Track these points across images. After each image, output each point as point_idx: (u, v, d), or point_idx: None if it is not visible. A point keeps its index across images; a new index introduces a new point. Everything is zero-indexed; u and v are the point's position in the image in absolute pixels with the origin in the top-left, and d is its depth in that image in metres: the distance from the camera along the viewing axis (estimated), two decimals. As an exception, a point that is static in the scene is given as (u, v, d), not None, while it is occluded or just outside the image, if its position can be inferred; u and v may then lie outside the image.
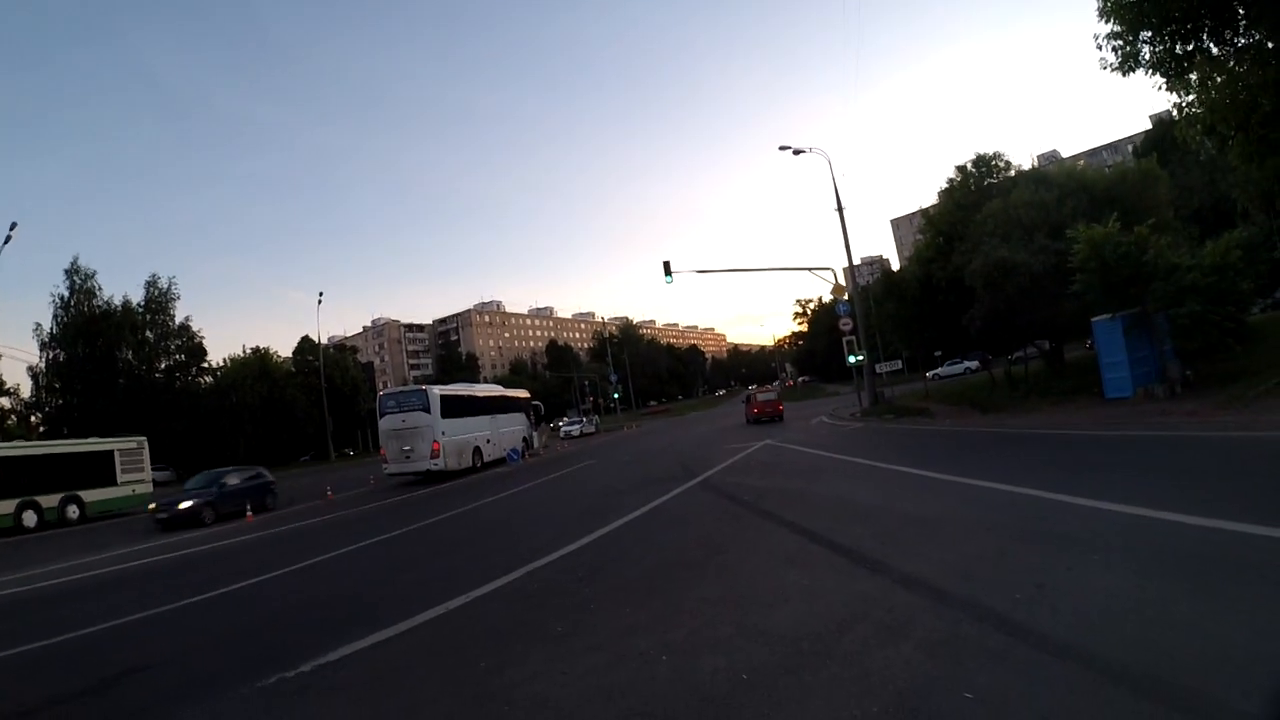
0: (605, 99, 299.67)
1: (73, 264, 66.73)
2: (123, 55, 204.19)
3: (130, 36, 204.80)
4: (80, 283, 66.38)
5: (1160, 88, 19.08)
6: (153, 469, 35.07)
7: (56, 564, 16.36)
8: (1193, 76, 18.28)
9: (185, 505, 22.39)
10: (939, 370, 57.26)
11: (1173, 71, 18.54)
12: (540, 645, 5.87)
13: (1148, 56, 18.74)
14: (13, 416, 62.08)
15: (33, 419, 64.48)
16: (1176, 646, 4.13)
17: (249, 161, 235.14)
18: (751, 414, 41.37)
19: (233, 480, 24.71)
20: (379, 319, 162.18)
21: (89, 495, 29.31)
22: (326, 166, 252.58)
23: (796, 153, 36.51)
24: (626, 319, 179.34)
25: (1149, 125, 57.65)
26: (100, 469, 30.77)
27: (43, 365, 64.34)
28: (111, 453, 31.72)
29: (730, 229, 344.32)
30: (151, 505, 24.99)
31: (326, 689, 5.59)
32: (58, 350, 64.80)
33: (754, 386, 72.62)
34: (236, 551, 15.80)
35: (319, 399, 68.54)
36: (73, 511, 28.59)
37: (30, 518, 26.80)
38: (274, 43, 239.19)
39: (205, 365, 74.77)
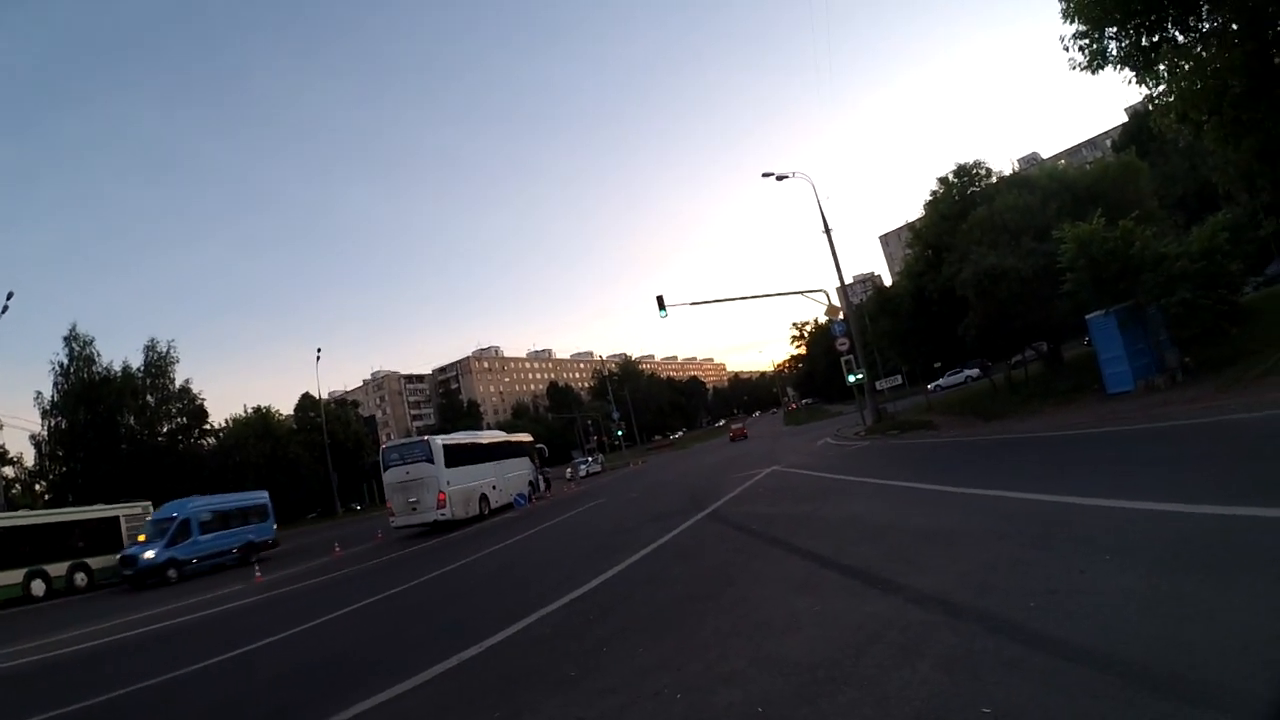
0: (588, 138, 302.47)
1: (71, 331, 66.91)
2: (109, 119, 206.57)
3: (115, 99, 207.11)
4: (79, 349, 66.53)
5: (1130, 81, 19.23)
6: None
7: (61, 634, 16.12)
8: (1161, 67, 18.44)
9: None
10: (940, 381, 57.22)
11: (1141, 64, 18.67)
12: (554, 691, 5.79)
13: (1115, 52, 18.87)
14: (17, 485, 61.83)
15: (37, 487, 64.53)
16: (1196, 641, 4.07)
17: (240, 220, 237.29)
18: (730, 438, 76.31)
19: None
20: (378, 372, 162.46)
21: (96, 562, 29.20)
22: (317, 221, 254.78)
23: (780, 178, 36.72)
24: (625, 355, 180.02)
25: (1125, 118, 57.94)
26: (106, 535, 30.71)
27: (45, 433, 64.37)
28: (117, 518, 31.73)
29: (722, 258, 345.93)
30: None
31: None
32: (59, 418, 64.85)
33: (736, 423, 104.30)
34: (246, 612, 15.73)
35: (322, 455, 68.46)
36: (81, 579, 28.52)
37: (39, 586, 26.73)
38: (258, 98, 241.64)
39: (208, 426, 74.89)
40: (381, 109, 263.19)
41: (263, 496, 35.23)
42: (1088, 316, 22.69)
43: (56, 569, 27.72)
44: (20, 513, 35.33)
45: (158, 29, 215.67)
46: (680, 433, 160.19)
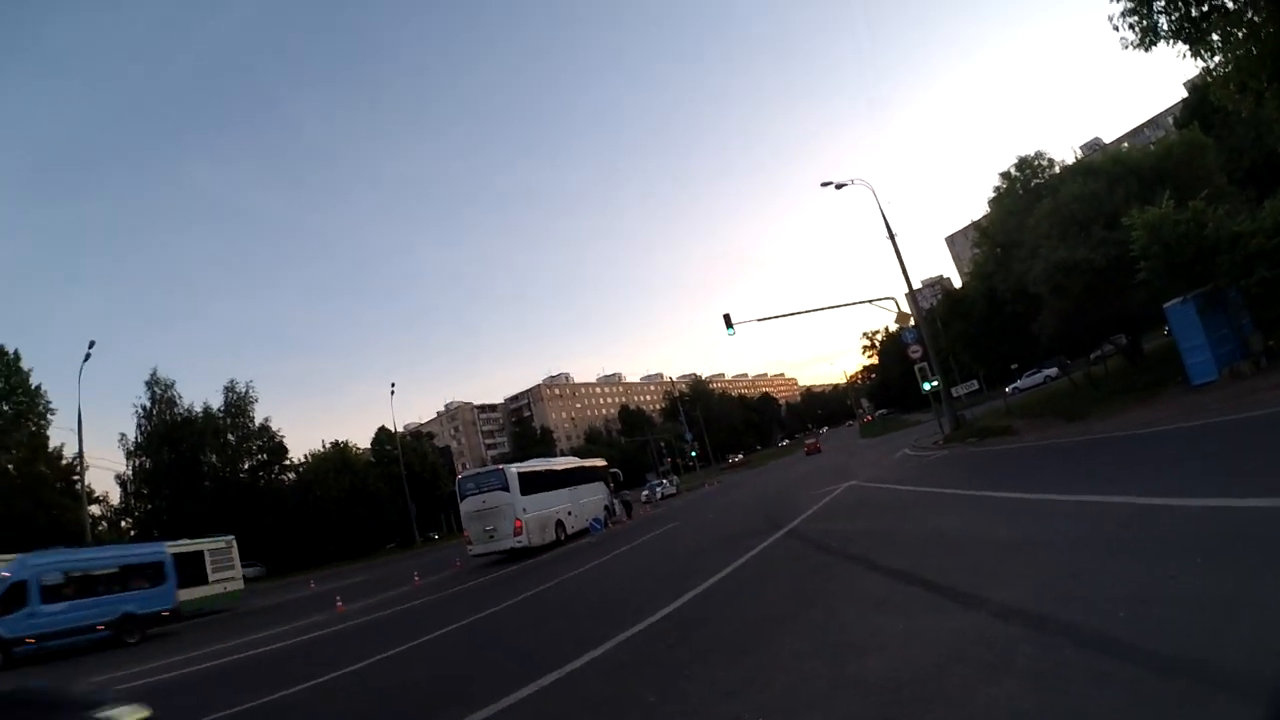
0: (648, 164, 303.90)
1: (152, 375, 70.61)
2: (174, 175, 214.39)
3: (178, 157, 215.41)
4: (160, 392, 69.93)
5: (1185, 55, 18.68)
6: (243, 566, 35.87)
7: (157, 661, 16.55)
8: (1214, 37, 17.88)
9: None
10: (1018, 383, 56.05)
11: (1193, 36, 18.12)
12: (633, 716, 5.79)
13: (1165, 26, 18.33)
14: (104, 523, 63.97)
15: (123, 524, 66.81)
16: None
17: (312, 266, 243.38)
18: (805, 452, 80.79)
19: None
20: (451, 403, 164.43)
21: (181, 595, 29.64)
22: (387, 262, 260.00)
23: (839, 187, 36.25)
24: (695, 375, 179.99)
25: (1185, 94, 56.09)
26: (191, 569, 31.54)
27: (129, 473, 67.24)
28: (202, 553, 32.73)
29: (787, 272, 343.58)
30: None
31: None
32: (143, 457, 67.77)
33: (810, 438, 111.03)
34: (329, 640, 15.99)
35: (400, 486, 69.83)
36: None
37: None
38: (320, 149, 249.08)
39: (287, 462, 77.44)
40: (447, 149, 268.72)
41: (157, 552, 28.95)
42: (1165, 305, 22.03)
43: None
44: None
45: (217, 86, 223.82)
46: (756, 449, 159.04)
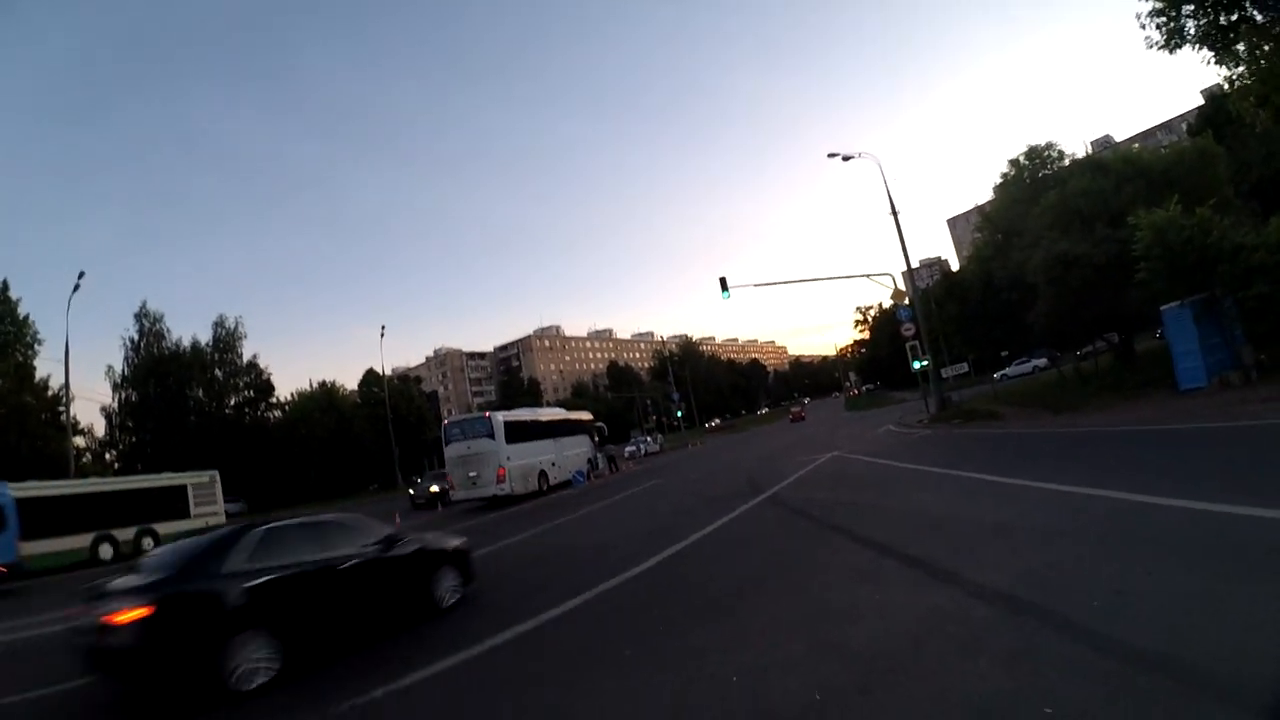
0: (651, 118, 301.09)
1: (141, 308, 70.26)
2: (178, 106, 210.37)
3: (184, 89, 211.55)
4: (149, 325, 69.68)
5: (1209, 62, 18.70)
6: (225, 501, 36.07)
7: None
8: (1240, 47, 17.86)
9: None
10: (1006, 371, 56.21)
11: (1219, 44, 18.11)
12: (611, 668, 5.88)
13: (1192, 31, 18.33)
14: (88, 455, 64.01)
15: (107, 456, 66.87)
16: (1263, 650, 3.99)
17: (307, 203, 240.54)
18: (790, 419, 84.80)
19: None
20: (441, 349, 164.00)
21: (163, 528, 29.87)
22: (380, 202, 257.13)
23: (846, 159, 35.97)
24: (686, 337, 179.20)
25: (1201, 101, 55.87)
26: (174, 503, 31.72)
27: (115, 405, 67.02)
28: (185, 487, 32.77)
29: (785, 240, 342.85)
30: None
31: (401, 714, 5.70)
32: (130, 390, 67.60)
33: (795, 406, 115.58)
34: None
35: (385, 429, 69.70)
36: (148, 544, 29.13)
37: (106, 550, 27.69)
38: (319, 88, 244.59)
39: (274, 400, 77.36)
40: (447, 94, 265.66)
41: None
42: (1162, 308, 22.09)
43: (124, 534, 28.68)
44: (91, 480, 36.65)
45: (224, 25, 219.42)
46: (741, 414, 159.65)
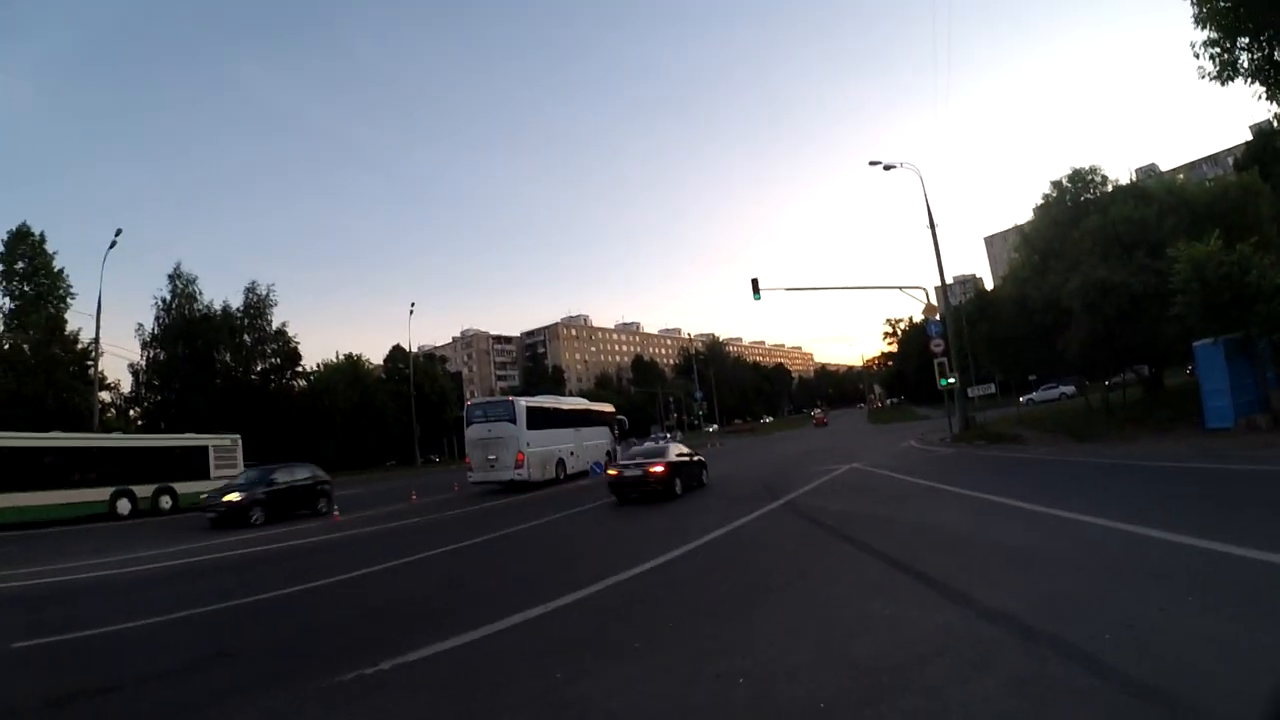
0: (692, 117, 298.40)
1: (175, 269, 70.87)
2: (226, 76, 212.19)
3: (235, 55, 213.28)
4: (182, 287, 70.27)
5: (1260, 97, 18.43)
6: (245, 466, 36.49)
7: (149, 550, 16.92)
8: None
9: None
10: (1033, 395, 55.82)
11: (1272, 79, 17.89)
12: (617, 661, 5.92)
13: (1246, 64, 18.12)
14: (112, 410, 65.16)
15: (131, 413, 67.85)
16: (1271, 695, 3.97)
17: (346, 177, 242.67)
18: (814, 424, 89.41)
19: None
20: (468, 330, 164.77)
21: (182, 488, 30.27)
22: (420, 183, 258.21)
23: (887, 168, 35.80)
24: (713, 335, 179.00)
25: (1250, 136, 55.08)
26: (195, 463, 32.02)
27: (143, 363, 67.86)
28: (206, 448, 33.03)
29: (819, 245, 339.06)
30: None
31: (405, 688, 5.75)
32: (158, 349, 68.42)
33: (817, 411, 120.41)
34: (322, 549, 16.28)
35: (408, 406, 70.19)
36: (165, 502, 29.65)
37: (124, 505, 27.94)
38: (363, 64, 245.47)
39: (300, 369, 78.20)
40: (489, 81, 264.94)
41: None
42: (1195, 344, 21.89)
43: (143, 491, 28.91)
44: (113, 435, 37.35)
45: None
46: (765, 420, 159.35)
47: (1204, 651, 4.78)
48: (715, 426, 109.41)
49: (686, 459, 21.44)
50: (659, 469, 19.45)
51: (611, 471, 21.58)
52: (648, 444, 28.90)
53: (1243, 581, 6.34)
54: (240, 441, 35.49)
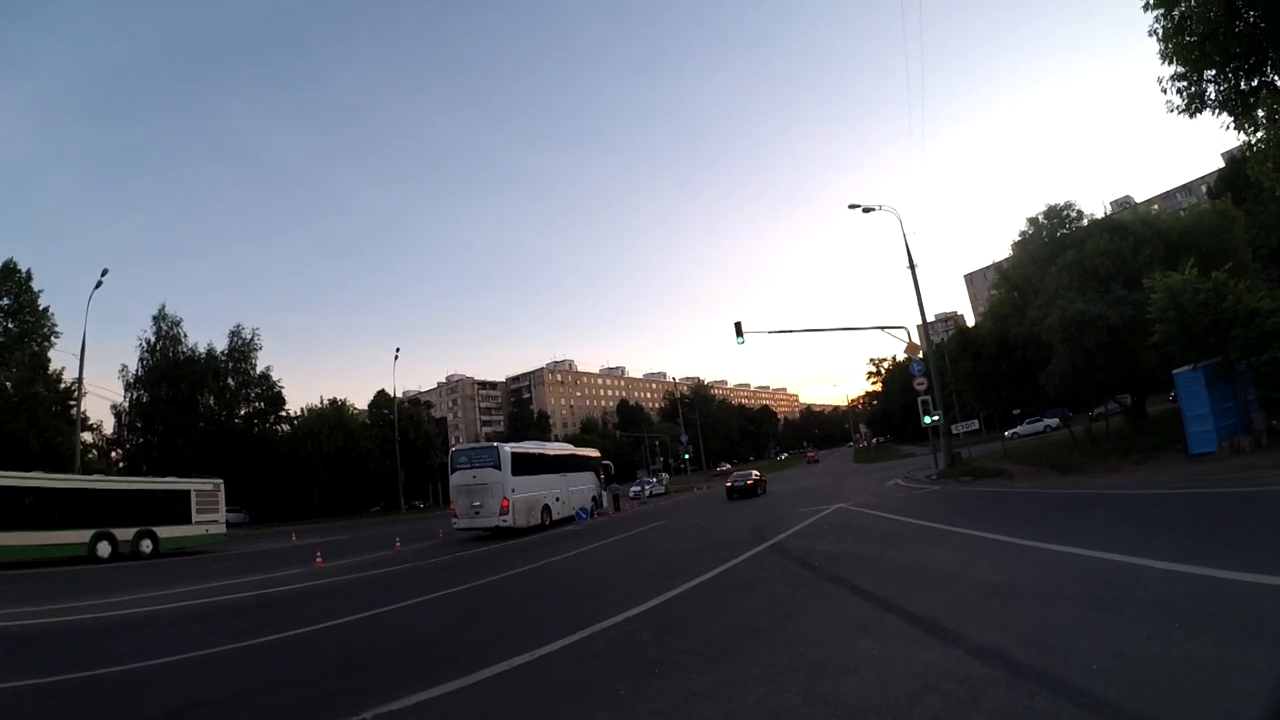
0: (672, 160, 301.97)
1: (160, 311, 70.95)
2: (208, 121, 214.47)
3: (214, 103, 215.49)
4: (167, 329, 70.43)
5: (1228, 126, 18.71)
6: (228, 511, 36.14)
7: (129, 594, 16.70)
8: (1260, 113, 17.90)
9: None
10: (1018, 429, 56.01)
11: (1239, 109, 18.16)
12: (603, 708, 5.82)
13: (1213, 95, 18.39)
14: (94, 451, 64.62)
15: (113, 455, 67.79)
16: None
17: (329, 222, 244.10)
18: (806, 462, 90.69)
19: None
20: (453, 375, 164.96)
21: (163, 532, 30.11)
22: (403, 228, 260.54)
23: (866, 210, 36.27)
24: (698, 379, 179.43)
25: (1221, 164, 56.07)
26: (176, 507, 31.80)
27: (126, 404, 67.94)
28: (188, 492, 32.83)
29: (801, 287, 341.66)
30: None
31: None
32: (141, 391, 68.39)
33: (810, 452, 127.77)
34: (305, 595, 16.11)
35: (392, 451, 70.04)
36: (146, 546, 29.41)
37: (104, 549, 27.69)
38: (346, 106, 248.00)
39: (283, 414, 77.85)
40: (475, 127, 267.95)
41: None
42: (1175, 371, 22.04)
43: (124, 534, 28.69)
44: (95, 477, 36.99)
45: (251, 35, 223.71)
46: (750, 460, 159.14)
47: (1192, 678, 4.74)
48: (699, 469, 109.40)
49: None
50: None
51: (727, 483, 42.06)
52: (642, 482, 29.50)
53: (1229, 604, 6.32)
54: (222, 486, 35.34)
